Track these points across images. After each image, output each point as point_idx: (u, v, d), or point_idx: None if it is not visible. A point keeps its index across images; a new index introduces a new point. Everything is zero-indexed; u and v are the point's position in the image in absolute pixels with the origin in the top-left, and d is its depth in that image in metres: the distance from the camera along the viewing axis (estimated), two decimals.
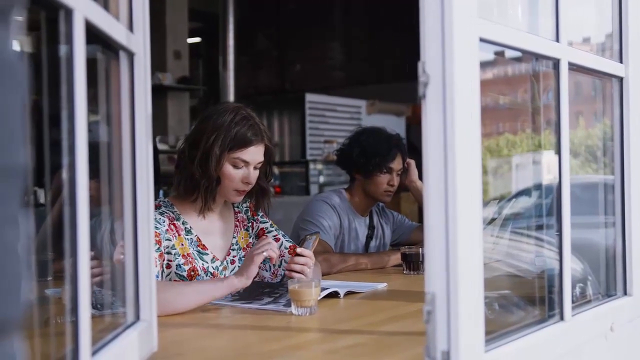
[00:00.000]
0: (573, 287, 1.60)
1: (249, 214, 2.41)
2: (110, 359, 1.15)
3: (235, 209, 2.40)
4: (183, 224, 2.22)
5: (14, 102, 0.57)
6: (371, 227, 3.15)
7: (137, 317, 1.38)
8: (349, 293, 2.18)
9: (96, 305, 1.34)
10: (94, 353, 1.09)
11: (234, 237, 2.34)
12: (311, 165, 7.43)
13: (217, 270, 2.24)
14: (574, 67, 1.58)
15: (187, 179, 2.20)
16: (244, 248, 2.35)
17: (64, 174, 1.01)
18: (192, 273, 2.17)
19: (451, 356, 1.17)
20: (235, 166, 2.19)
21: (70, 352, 1.01)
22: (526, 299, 1.71)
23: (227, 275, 2.24)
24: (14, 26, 0.58)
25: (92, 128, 1.11)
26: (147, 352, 1.39)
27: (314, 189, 7.34)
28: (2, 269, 0.56)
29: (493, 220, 2.23)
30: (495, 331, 1.33)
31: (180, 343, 1.64)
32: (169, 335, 1.64)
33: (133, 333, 1.31)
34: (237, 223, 2.37)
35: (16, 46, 0.59)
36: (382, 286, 2.36)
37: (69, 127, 1.01)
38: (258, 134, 2.21)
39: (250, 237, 2.38)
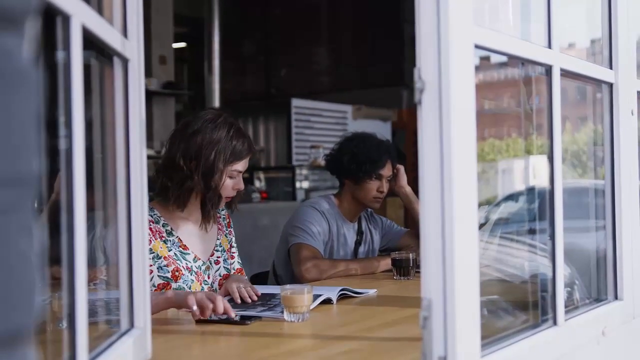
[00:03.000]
0: None
1: (225, 222, 2.50)
2: None
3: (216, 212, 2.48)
4: (163, 226, 2.28)
5: (28, 110, 0.57)
6: (360, 233, 3.15)
7: (132, 325, 1.37)
8: (342, 296, 2.19)
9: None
10: None
11: (218, 239, 2.42)
12: (297, 171, 7.42)
13: (200, 269, 2.31)
14: (565, 73, 1.59)
15: (186, 192, 2.25)
16: (227, 250, 2.44)
17: (62, 181, 1.01)
18: (177, 273, 2.23)
19: None
20: (231, 177, 2.29)
21: (68, 359, 1.00)
22: (518, 304, 1.72)
23: (210, 275, 2.34)
24: (28, 35, 0.58)
25: (84, 134, 1.10)
26: (141, 359, 1.38)
27: (300, 194, 7.33)
28: (17, 277, 0.56)
29: (482, 225, 2.24)
30: (490, 336, 1.34)
31: (174, 350, 1.63)
32: (163, 342, 1.63)
33: (128, 340, 1.31)
34: (220, 226, 2.46)
35: (29, 54, 0.59)
36: (372, 292, 2.36)
37: (66, 133, 1.01)
38: (251, 145, 2.33)
39: (228, 243, 2.48)
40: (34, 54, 0.62)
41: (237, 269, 2.46)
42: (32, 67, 0.59)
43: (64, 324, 1.10)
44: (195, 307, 1.81)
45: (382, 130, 7.50)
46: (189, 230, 2.33)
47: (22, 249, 0.56)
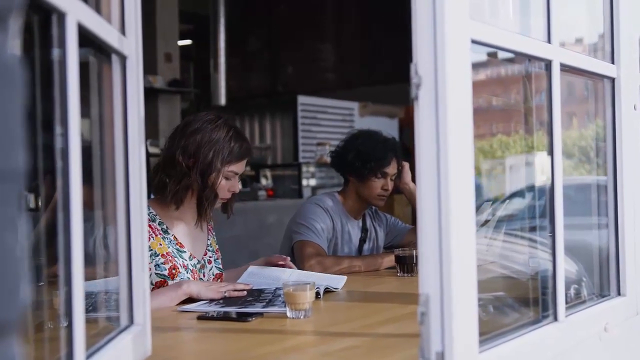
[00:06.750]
0: (567, 289, 1.60)
1: (209, 225, 2.52)
2: None
3: None
4: (159, 224, 2.31)
5: (13, 105, 0.57)
6: (364, 230, 3.15)
7: (131, 321, 1.38)
8: (327, 291, 2.23)
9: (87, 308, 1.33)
10: (88, 357, 1.09)
11: (209, 240, 2.46)
12: (304, 168, 7.41)
13: (195, 267, 2.34)
14: (565, 68, 1.58)
15: (184, 189, 2.28)
16: (215, 252, 2.48)
17: (58, 179, 1.01)
18: (174, 271, 2.26)
19: (445, 357, 1.17)
20: (227, 178, 2.32)
21: (65, 356, 1.01)
22: (520, 300, 1.72)
23: (205, 273, 2.38)
24: (12, 30, 0.59)
25: (83, 132, 1.10)
26: (141, 356, 1.39)
27: (306, 191, 7.33)
28: (3, 270, 0.56)
29: (487, 221, 2.24)
30: (489, 332, 1.33)
31: (174, 347, 1.64)
32: (163, 339, 1.63)
33: (127, 337, 1.31)
34: (210, 228, 2.50)
35: (14, 50, 0.59)
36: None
37: (62, 131, 1.01)
38: (249, 148, 2.37)
39: (216, 245, 2.51)
40: (19, 49, 0.62)
41: (216, 274, 2.45)
42: (17, 63, 0.60)
43: (66, 322, 1.11)
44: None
45: (389, 127, 7.49)
46: (183, 229, 2.36)
47: (8, 243, 0.57)
